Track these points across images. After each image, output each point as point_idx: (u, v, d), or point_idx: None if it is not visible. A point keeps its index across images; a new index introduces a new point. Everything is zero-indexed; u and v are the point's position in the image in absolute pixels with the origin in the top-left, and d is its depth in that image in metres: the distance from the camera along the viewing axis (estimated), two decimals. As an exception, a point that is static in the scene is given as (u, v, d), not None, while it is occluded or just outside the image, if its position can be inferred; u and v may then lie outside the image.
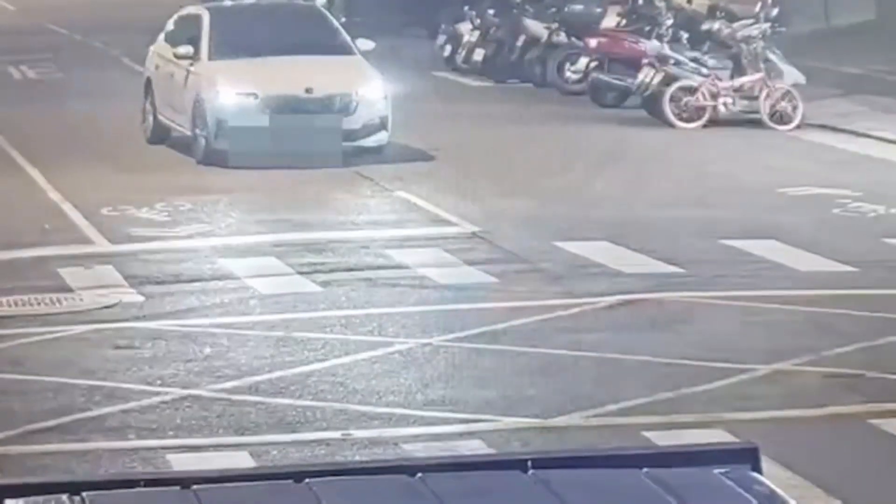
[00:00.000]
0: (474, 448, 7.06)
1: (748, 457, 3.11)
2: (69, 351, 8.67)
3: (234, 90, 13.58)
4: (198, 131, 13.71)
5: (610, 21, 20.11)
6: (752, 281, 9.91)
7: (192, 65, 14.02)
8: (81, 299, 9.60)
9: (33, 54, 22.12)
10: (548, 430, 7.36)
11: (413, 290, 9.76)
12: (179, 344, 8.75)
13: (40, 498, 2.89)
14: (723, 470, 3.05)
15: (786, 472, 6.71)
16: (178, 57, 14.20)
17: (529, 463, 3.04)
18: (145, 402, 7.75)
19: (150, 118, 14.87)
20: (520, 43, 18.96)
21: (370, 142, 13.60)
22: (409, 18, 24.29)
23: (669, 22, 18.24)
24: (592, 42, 17.54)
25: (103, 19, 27.47)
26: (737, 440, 6.56)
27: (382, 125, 13.60)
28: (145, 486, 2.95)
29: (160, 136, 14.71)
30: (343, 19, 25.72)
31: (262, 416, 7.57)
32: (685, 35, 17.77)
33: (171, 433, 7.32)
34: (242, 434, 7.31)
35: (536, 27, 19.18)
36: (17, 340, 8.82)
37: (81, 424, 7.45)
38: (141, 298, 9.64)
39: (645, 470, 3.02)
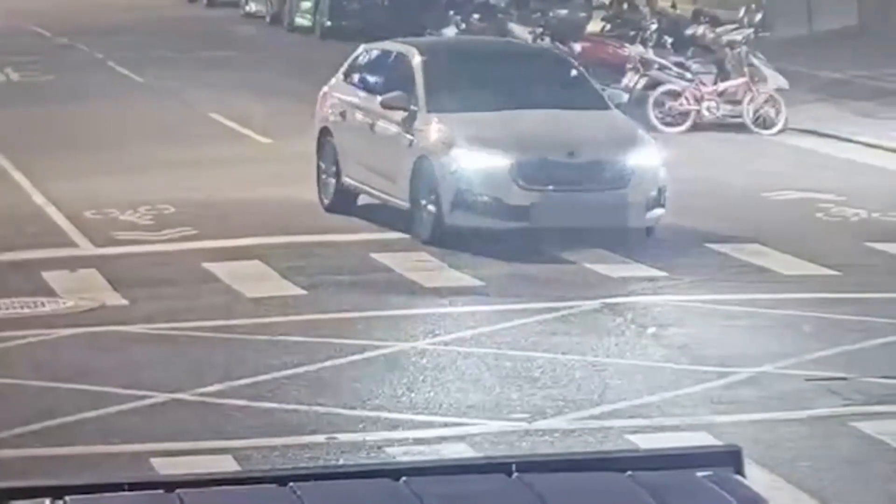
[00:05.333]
0: (459, 451, 7.07)
1: (731, 459, 3.13)
2: (52, 354, 8.64)
3: (476, 153, 10.48)
4: (423, 202, 10.67)
5: (594, 26, 20.15)
6: (735, 284, 9.94)
7: (410, 118, 10.93)
8: (65, 302, 9.58)
9: (18, 57, 22.06)
10: (532, 433, 7.37)
11: (399, 294, 9.76)
12: (163, 347, 8.73)
13: (24, 502, 2.88)
14: (706, 473, 3.06)
15: (769, 475, 6.73)
16: (386, 107, 11.09)
17: (513, 466, 3.05)
18: (129, 405, 7.73)
19: (332, 180, 11.68)
20: (505, 47, 18.96)
21: (642, 221, 10.63)
22: (394, 23, 24.29)
23: (653, 27, 18.31)
24: (577, 47, 17.57)
25: (88, 23, 27.42)
26: (720, 443, 6.58)
27: (659, 200, 10.65)
28: (129, 489, 2.95)
29: (344, 202, 11.60)
30: (328, 24, 25.88)
31: (246, 419, 7.57)
32: (669, 40, 17.84)
33: (154, 437, 7.31)
34: (226, 438, 7.30)
35: (521, 32, 19.21)
36: (0, 344, 8.79)
37: (65, 428, 7.43)
38: (125, 302, 9.62)
39: (629, 473, 3.04)
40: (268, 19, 27.94)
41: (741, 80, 16.15)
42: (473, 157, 10.55)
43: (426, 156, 10.75)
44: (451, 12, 20.42)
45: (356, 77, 11.99)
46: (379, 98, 11.21)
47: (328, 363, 8.39)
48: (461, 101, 11.00)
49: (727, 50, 16.81)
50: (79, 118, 16.88)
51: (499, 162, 10.49)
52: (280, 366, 8.32)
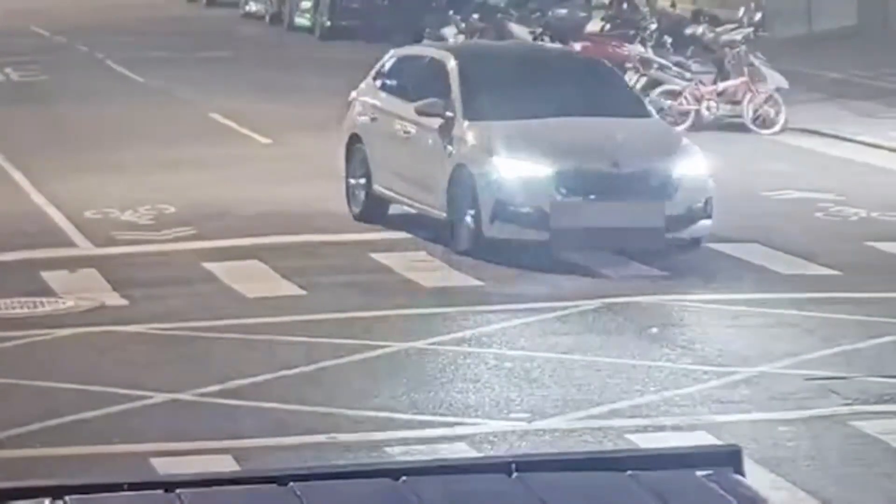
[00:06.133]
0: (459, 451, 7.07)
1: (731, 459, 3.13)
2: (52, 354, 8.64)
3: (517, 162, 10.13)
4: (460, 213, 10.31)
5: (594, 25, 20.16)
6: (735, 284, 9.94)
7: (447, 125, 10.56)
8: (65, 302, 9.58)
9: (17, 56, 22.07)
10: (532, 432, 7.37)
11: (398, 294, 9.76)
12: (163, 347, 8.73)
13: (23, 502, 2.88)
14: (706, 472, 3.06)
15: (769, 475, 6.74)
16: (421, 113, 10.73)
17: (513, 466, 3.05)
18: (129, 405, 7.73)
19: (362, 188, 11.39)
20: (504, 47, 18.97)
21: (689, 233, 10.26)
22: (394, 23, 24.31)
23: (653, 26, 18.32)
24: (577, 46, 17.57)
25: (87, 22, 27.43)
26: (720, 443, 6.59)
27: (705, 211, 10.29)
28: (129, 489, 2.94)
29: (374, 211, 11.29)
30: (328, 24, 25.90)
31: (246, 419, 7.57)
32: (669, 39, 17.84)
33: (154, 437, 7.31)
34: (226, 438, 7.30)
35: (521, 31, 19.22)
36: (0, 344, 8.79)
37: (64, 428, 7.43)
38: (125, 302, 9.62)
39: (628, 473, 3.04)
40: (267, 19, 27.95)
41: (741, 80, 16.15)
42: (514, 166, 10.12)
43: (464, 164, 10.36)
44: (451, 12, 20.42)
45: (387, 82, 11.55)
46: (413, 105, 10.81)
47: (328, 363, 8.38)
48: (499, 108, 10.55)
49: (727, 50, 16.82)
50: (78, 118, 16.88)
51: (540, 172, 10.08)
52: (280, 366, 8.32)
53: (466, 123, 10.52)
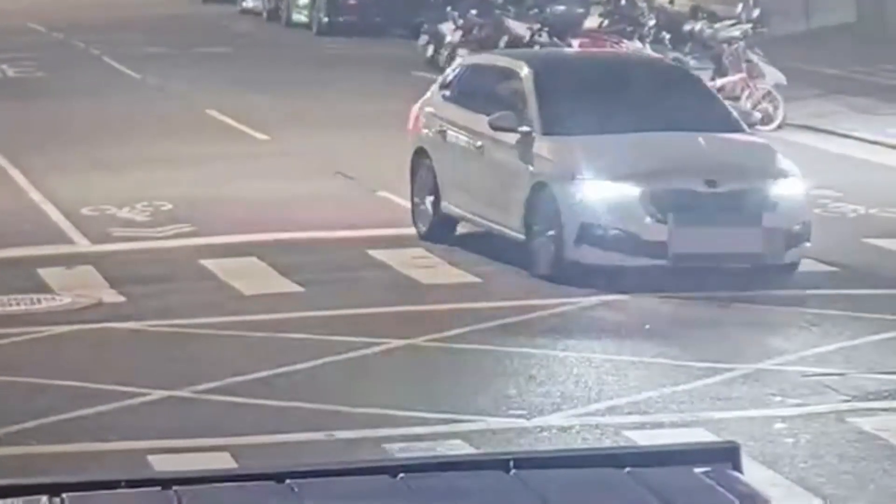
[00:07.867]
0: (456, 448, 7.07)
1: (729, 456, 3.12)
2: (49, 351, 8.64)
3: (604, 180, 9.43)
4: (540, 234, 9.63)
5: (592, 22, 20.16)
6: (732, 280, 9.94)
7: (524, 140, 9.84)
8: (62, 299, 9.57)
9: (13, 53, 22.06)
10: (530, 429, 7.37)
11: (396, 291, 9.76)
12: (160, 344, 8.73)
13: (20, 499, 2.88)
14: (704, 469, 3.06)
15: (766, 471, 6.74)
16: (495, 128, 10.01)
17: (511, 462, 3.04)
18: (126, 403, 7.73)
19: (428, 206, 10.66)
20: (502, 44, 18.99)
21: (787, 257, 9.58)
22: (391, 19, 24.30)
23: (651, 23, 18.31)
24: (575, 43, 17.57)
25: (84, 19, 27.42)
26: (718, 439, 6.59)
27: (804, 234, 9.64)
28: (126, 486, 2.94)
29: (443, 230, 10.59)
30: (325, 20, 25.91)
31: (243, 416, 7.56)
32: (667, 36, 17.84)
33: (151, 434, 7.30)
34: (224, 435, 7.30)
35: (519, 28, 19.22)
36: (-2, 341, 8.79)
37: (61, 425, 7.42)
38: (122, 298, 9.61)
39: (627, 469, 3.03)
40: (265, 15, 27.96)
41: (739, 76, 16.15)
42: (600, 185, 9.41)
43: (545, 183, 9.62)
44: (449, 8, 20.42)
45: (456, 93, 10.81)
46: (485, 117, 10.11)
47: (325, 360, 8.38)
48: (580, 122, 9.85)
49: (725, 46, 16.81)
50: (75, 115, 16.87)
51: (629, 191, 9.36)
52: (277, 363, 8.31)
53: (545, 138, 9.80)
